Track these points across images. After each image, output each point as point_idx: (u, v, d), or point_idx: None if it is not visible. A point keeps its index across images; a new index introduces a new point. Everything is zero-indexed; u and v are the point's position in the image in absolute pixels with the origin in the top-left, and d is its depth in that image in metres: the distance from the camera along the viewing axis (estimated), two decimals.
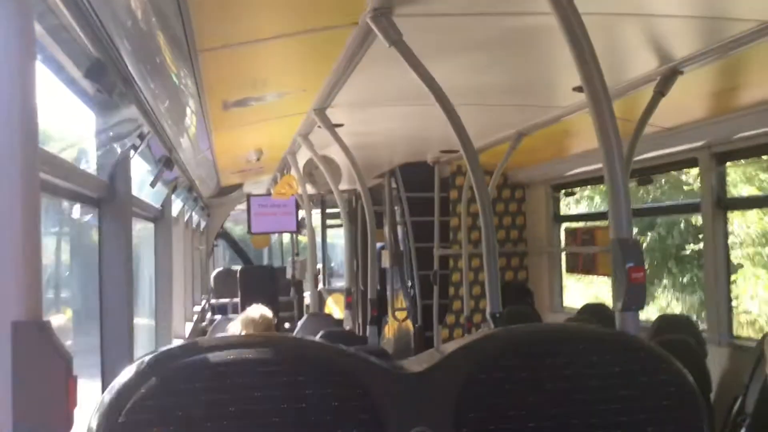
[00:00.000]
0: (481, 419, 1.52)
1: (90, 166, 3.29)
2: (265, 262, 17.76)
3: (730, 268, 5.02)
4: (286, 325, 10.47)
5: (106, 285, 3.26)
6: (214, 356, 1.46)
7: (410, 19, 2.76)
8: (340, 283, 13.01)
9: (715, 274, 5.04)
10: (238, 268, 12.43)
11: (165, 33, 2.61)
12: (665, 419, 1.56)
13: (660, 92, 3.62)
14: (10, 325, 1.08)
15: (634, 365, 1.59)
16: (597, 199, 14.74)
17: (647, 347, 1.65)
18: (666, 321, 5.09)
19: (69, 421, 1.11)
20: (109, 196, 3.27)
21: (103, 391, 1.43)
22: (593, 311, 5.63)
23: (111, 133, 3.15)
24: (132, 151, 3.45)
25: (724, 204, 5.03)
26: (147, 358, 1.45)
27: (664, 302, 14.96)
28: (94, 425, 1.38)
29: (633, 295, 1.91)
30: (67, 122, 3.07)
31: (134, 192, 3.84)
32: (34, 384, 1.08)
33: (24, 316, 1.09)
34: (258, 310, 3.98)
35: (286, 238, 13.54)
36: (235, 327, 3.96)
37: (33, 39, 1.18)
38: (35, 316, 1.10)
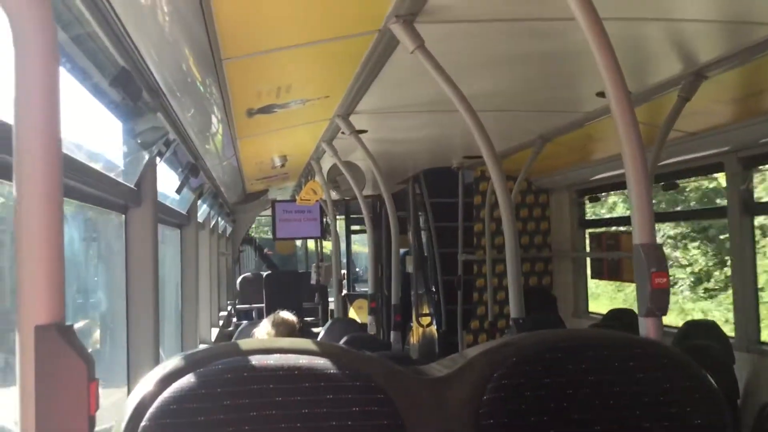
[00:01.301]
0: (503, 425, 1.52)
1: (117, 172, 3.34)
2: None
3: (757, 274, 4.95)
4: (315, 330, 10.50)
5: (132, 290, 3.29)
6: (237, 361, 1.47)
7: (432, 26, 2.77)
8: (365, 288, 13.03)
9: (743, 279, 4.98)
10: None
11: (190, 42, 2.64)
12: (689, 426, 1.55)
13: (684, 97, 3.59)
14: (33, 330, 1.10)
15: (657, 372, 1.57)
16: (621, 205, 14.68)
17: (671, 353, 1.64)
18: (692, 326, 5.04)
19: (91, 425, 1.13)
20: (135, 202, 3.31)
21: (128, 395, 1.45)
22: (618, 317, 5.59)
23: (137, 141, 3.19)
24: (158, 158, 3.49)
25: (751, 209, 4.97)
26: (171, 363, 1.47)
27: None
28: (119, 429, 1.40)
29: (656, 300, 1.90)
30: (94, 130, 3.12)
31: (161, 198, 3.89)
32: (56, 388, 1.10)
33: (47, 320, 1.11)
34: (280, 316, 4.00)
35: (311, 243, 13.60)
36: (260, 332, 3.98)
37: (56, 46, 1.20)
38: (58, 320, 1.12)
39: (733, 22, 2.95)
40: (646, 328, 1.91)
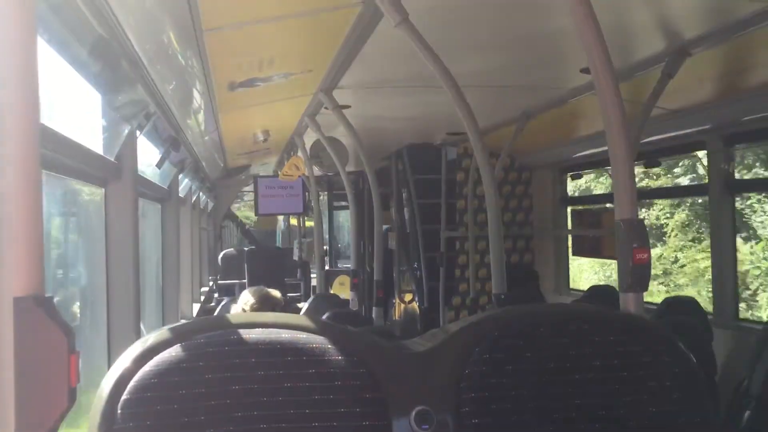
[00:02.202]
0: (484, 399, 1.53)
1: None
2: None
3: (736, 251, 5.00)
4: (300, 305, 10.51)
5: (112, 265, 3.27)
6: (219, 335, 1.46)
7: None
8: (347, 265, 13.04)
9: (722, 256, 5.03)
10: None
11: (170, 12, 2.60)
12: (668, 400, 1.56)
13: (668, 74, 3.60)
14: (12, 301, 1.09)
15: (637, 346, 1.59)
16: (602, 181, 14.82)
17: (651, 328, 1.65)
18: (672, 302, 5.09)
19: (71, 397, 1.12)
20: (115, 176, 3.28)
21: (108, 369, 1.44)
22: (600, 293, 5.63)
23: (117, 113, 3.15)
24: (138, 132, 3.45)
25: (731, 187, 5.01)
26: (152, 337, 1.46)
27: None
28: (100, 402, 1.39)
29: (637, 275, 1.91)
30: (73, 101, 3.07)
31: (140, 172, 3.85)
32: (36, 360, 1.09)
33: (26, 292, 1.10)
34: (266, 291, 3.97)
35: (293, 219, 13.57)
36: (240, 304, 3.95)
37: (33, 13, 1.18)
38: (37, 291, 1.11)
39: None
40: (626, 302, 1.92)
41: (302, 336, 1.50)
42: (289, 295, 10.78)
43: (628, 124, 2.10)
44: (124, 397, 1.38)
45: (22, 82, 1.15)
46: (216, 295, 11.34)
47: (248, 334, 1.48)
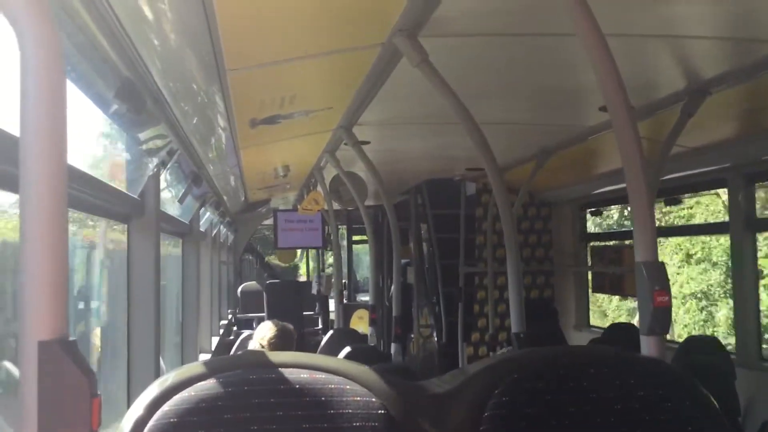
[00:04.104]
0: None
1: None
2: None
3: (759, 291, 4.94)
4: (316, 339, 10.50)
5: (134, 300, 3.29)
6: (238, 375, 1.47)
7: (436, 40, 2.77)
8: (365, 298, 13.01)
9: (745, 295, 4.97)
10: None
11: (195, 53, 2.65)
12: None
13: (688, 113, 3.59)
14: (36, 345, 1.10)
15: (659, 390, 1.57)
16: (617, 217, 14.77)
17: (672, 372, 1.63)
18: (694, 342, 5.03)
19: None
20: (138, 212, 3.31)
21: (128, 407, 1.45)
22: (620, 331, 5.57)
23: (141, 150, 3.20)
24: (161, 168, 3.49)
25: (753, 225, 4.97)
26: (171, 376, 1.47)
27: None
28: None
29: (658, 318, 1.90)
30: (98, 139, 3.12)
31: (163, 208, 3.89)
32: (58, 403, 1.09)
33: (50, 336, 1.10)
34: (282, 325, 3.97)
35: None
36: (257, 337, 3.95)
37: (62, 57, 1.20)
38: (61, 335, 1.12)
39: (737, 39, 2.95)
40: (648, 346, 1.91)
41: (321, 376, 1.50)
42: (306, 329, 10.79)
43: (647, 163, 2.11)
44: None
45: (51, 124, 1.17)
46: (235, 328, 11.34)
47: (268, 374, 1.48)
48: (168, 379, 1.46)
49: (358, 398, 1.50)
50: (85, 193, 2.50)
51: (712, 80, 3.40)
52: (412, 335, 8.73)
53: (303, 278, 17.01)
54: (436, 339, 7.91)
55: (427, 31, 2.70)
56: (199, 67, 2.82)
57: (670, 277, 2.02)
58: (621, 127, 2.09)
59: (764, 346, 5.03)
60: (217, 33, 2.40)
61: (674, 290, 13.91)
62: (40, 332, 1.10)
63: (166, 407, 1.41)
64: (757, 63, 3.09)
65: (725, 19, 2.76)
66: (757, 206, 5.14)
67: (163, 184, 3.71)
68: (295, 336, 3.99)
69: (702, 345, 4.83)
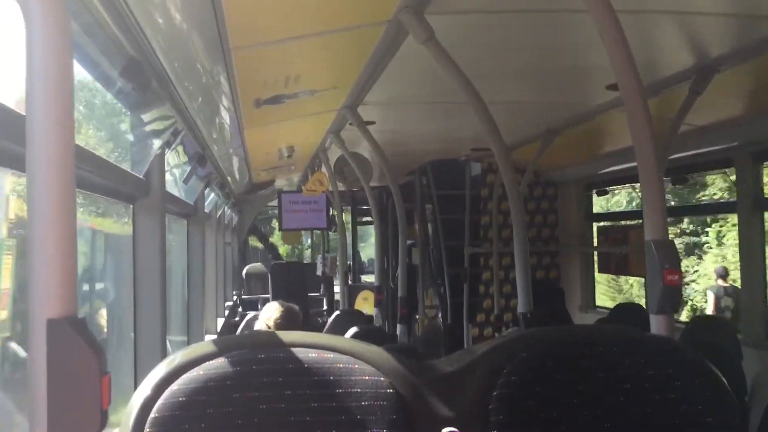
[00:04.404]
0: (512, 421, 1.51)
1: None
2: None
3: (767, 270, 4.93)
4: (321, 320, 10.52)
5: (139, 281, 3.29)
6: (246, 354, 1.47)
7: (442, 17, 2.75)
8: (370, 279, 13.03)
9: (752, 275, 4.95)
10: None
11: (199, 31, 2.63)
12: (699, 423, 1.54)
13: (696, 91, 3.57)
14: (45, 323, 1.09)
15: (667, 369, 1.57)
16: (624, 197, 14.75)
17: (681, 350, 1.63)
18: (701, 322, 5.03)
19: (103, 419, 1.13)
20: (143, 193, 3.31)
21: (136, 387, 1.45)
22: (626, 311, 5.57)
23: (145, 130, 3.19)
24: (166, 149, 3.48)
25: (761, 204, 4.94)
26: (179, 355, 1.46)
27: None
28: (128, 421, 1.39)
29: (667, 297, 1.89)
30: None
31: (168, 188, 3.88)
32: (68, 382, 1.09)
33: (59, 314, 1.10)
34: (288, 305, 3.98)
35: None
36: (263, 318, 3.96)
37: (70, 36, 1.19)
38: (70, 313, 1.11)
39: (746, 15, 2.92)
40: (657, 324, 1.90)
41: (329, 356, 1.50)
42: (312, 310, 10.81)
43: (656, 142, 2.09)
44: (152, 415, 1.39)
45: (58, 102, 1.16)
46: (240, 309, 11.38)
47: (276, 353, 1.48)
48: (176, 358, 1.46)
49: (367, 377, 1.49)
50: (90, 173, 2.50)
51: (720, 58, 3.37)
52: (417, 316, 8.74)
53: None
54: (441, 320, 7.93)
55: (433, 8, 2.67)
56: (204, 46, 2.80)
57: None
58: (632, 105, 2.07)
59: None
60: (221, 11, 2.38)
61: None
62: (48, 310, 1.10)
63: (174, 386, 1.41)
64: (765, 40, 3.06)
65: None
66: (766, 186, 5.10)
67: (167, 165, 3.70)
68: (301, 316, 4.00)
69: (708, 325, 4.83)
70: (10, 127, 1.63)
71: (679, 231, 16.22)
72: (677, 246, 2.04)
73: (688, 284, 15.45)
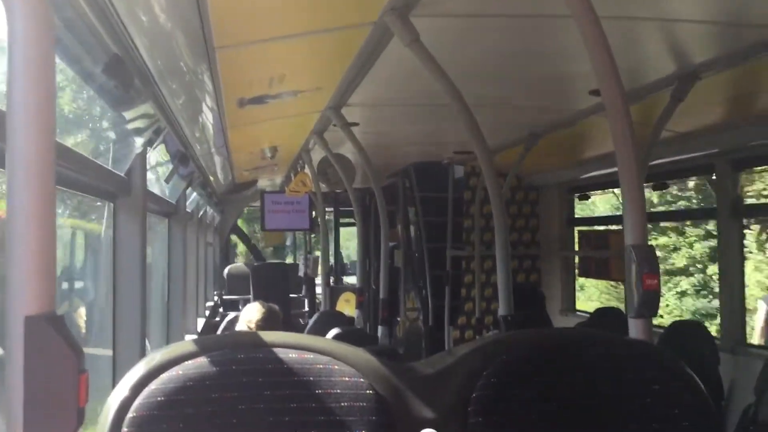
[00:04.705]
0: (492, 423, 1.52)
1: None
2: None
3: (744, 276, 4.98)
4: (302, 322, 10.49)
5: (119, 280, 3.27)
6: (226, 354, 1.46)
7: (427, 20, 2.75)
8: (353, 281, 13.03)
9: (730, 280, 5.00)
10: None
11: (183, 30, 2.62)
12: (676, 427, 1.55)
13: (677, 97, 3.60)
14: (23, 320, 1.08)
15: (646, 373, 1.57)
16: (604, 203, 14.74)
17: (659, 354, 1.64)
18: (679, 326, 5.07)
19: (80, 417, 1.12)
20: (124, 191, 3.29)
21: (114, 387, 1.44)
22: (606, 315, 5.60)
23: (127, 128, 3.17)
24: (148, 147, 3.46)
25: (740, 211, 5.00)
26: (158, 355, 1.46)
27: None
28: (105, 420, 1.38)
29: (646, 302, 1.90)
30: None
31: (149, 187, 3.86)
32: (45, 380, 1.08)
33: (37, 311, 1.09)
34: (269, 305, 3.98)
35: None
36: (244, 318, 3.96)
37: (52, 29, 1.18)
38: (48, 310, 1.10)
39: (728, 23, 2.95)
40: (635, 329, 1.91)
41: (309, 356, 1.50)
42: (293, 311, 10.78)
43: (637, 147, 2.10)
44: (129, 415, 1.38)
45: (39, 98, 1.15)
46: (221, 309, 11.34)
47: (255, 354, 1.47)
48: (155, 357, 1.45)
49: (346, 378, 1.49)
50: (71, 170, 2.48)
51: (702, 65, 3.40)
52: (399, 318, 8.75)
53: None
54: (422, 322, 7.94)
55: (418, 10, 2.68)
56: (188, 45, 2.79)
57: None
58: (614, 110, 2.08)
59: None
60: (206, 10, 2.37)
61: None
62: (26, 307, 1.09)
63: (152, 386, 1.40)
64: (747, 48, 3.09)
65: (716, 2, 2.75)
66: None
67: (149, 164, 3.68)
68: (281, 317, 4.00)
69: (687, 329, 4.87)
70: None
71: (704, 233, 15.56)
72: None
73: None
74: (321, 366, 1.49)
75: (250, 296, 10.70)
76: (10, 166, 1.12)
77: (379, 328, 6.03)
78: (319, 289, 10.47)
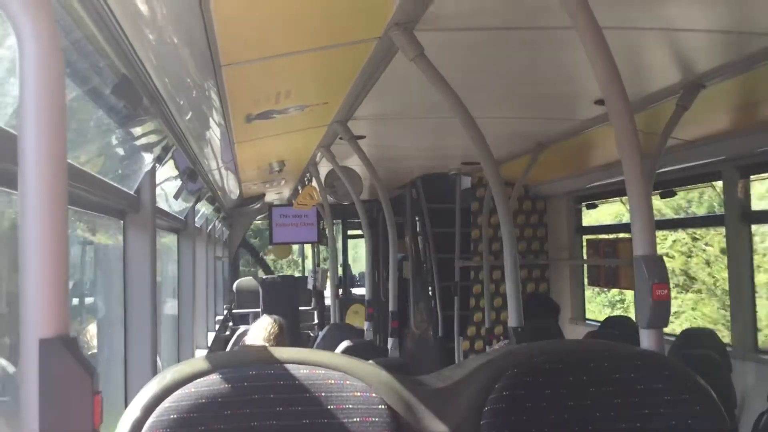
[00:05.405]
0: None
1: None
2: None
3: (754, 282, 4.96)
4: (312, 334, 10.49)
5: (130, 296, 3.29)
6: (238, 371, 1.47)
7: (432, 34, 2.77)
8: (360, 292, 13.03)
9: (740, 287, 4.98)
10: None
11: (190, 48, 2.64)
12: None
13: (682, 106, 3.60)
14: (37, 343, 1.09)
15: (658, 383, 1.58)
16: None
17: (671, 365, 1.64)
18: (690, 335, 5.05)
19: None
20: (134, 208, 3.31)
21: (126, 404, 1.45)
22: (616, 324, 5.58)
23: (136, 146, 3.19)
24: (157, 164, 3.48)
25: (748, 217, 4.98)
26: (170, 373, 1.47)
27: None
28: None
29: (657, 312, 1.89)
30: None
31: (158, 203, 3.88)
32: (60, 401, 1.09)
33: (51, 333, 1.10)
34: (263, 323, 4.00)
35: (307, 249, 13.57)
36: (255, 336, 3.97)
37: (61, 52, 1.19)
38: (62, 332, 1.11)
39: (733, 32, 2.95)
40: (646, 339, 1.91)
41: (321, 372, 1.51)
42: (302, 323, 10.78)
43: (643, 156, 2.11)
44: None
45: (50, 120, 1.16)
46: (230, 323, 11.35)
47: (267, 370, 1.48)
48: (167, 375, 1.46)
49: (358, 393, 1.50)
50: (81, 190, 2.50)
51: (707, 73, 3.41)
52: (408, 330, 8.74)
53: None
54: (432, 333, 7.92)
55: (423, 25, 2.70)
56: (195, 63, 2.81)
57: None
58: (618, 119, 2.09)
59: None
60: (212, 28, 2.39)
61: None
62: (41, 330, 1.10)
63: (166, 403, 1.41)
64: (751, 56, 3.09)
65: (720, 11, 2.76)
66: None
67: (158, 180, 3.70)
68: (285, 330, 4.02)
69: (698, 337, 4.85)
70: (1, 145, 1.63)
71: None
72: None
73: None
74: (332, 381, 1.50)
75: (260, 310, 10.72)
76: (22, 188, 1.14)
77: (389, 340, 6.03)
78: (328, 301, 10.48)
